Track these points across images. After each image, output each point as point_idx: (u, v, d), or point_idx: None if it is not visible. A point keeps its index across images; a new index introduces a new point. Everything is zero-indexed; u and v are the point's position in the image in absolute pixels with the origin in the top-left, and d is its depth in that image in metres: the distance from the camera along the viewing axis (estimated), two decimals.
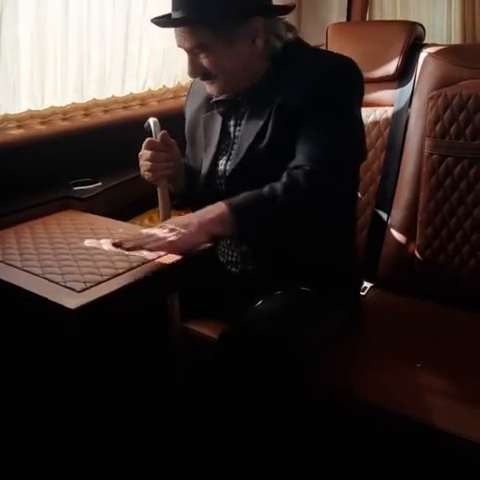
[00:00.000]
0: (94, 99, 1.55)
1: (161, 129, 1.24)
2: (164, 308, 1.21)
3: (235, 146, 1.26)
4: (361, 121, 1.27)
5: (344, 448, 1.17)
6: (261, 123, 1.21)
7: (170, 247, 1.06)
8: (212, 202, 1.14)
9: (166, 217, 1.25)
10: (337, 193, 1.19)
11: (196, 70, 1.22)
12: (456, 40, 2.02)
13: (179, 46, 1.22)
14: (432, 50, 1.58)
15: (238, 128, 1.27)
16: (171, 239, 1.06)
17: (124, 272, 1.02)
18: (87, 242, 1.15)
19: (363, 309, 1.44)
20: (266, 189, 1.12)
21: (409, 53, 1.60)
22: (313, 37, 1.98)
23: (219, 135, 1.29)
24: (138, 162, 1.26)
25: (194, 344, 1.29)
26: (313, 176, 1.12)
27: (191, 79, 1.45)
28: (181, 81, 1.78)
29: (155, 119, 1.25)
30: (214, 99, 1.29)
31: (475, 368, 1.20)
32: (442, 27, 2.05)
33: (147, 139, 1.22)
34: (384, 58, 1.62)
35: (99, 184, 1.45)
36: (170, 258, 1.06)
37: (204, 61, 1.19)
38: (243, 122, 1.25)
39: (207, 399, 1.24)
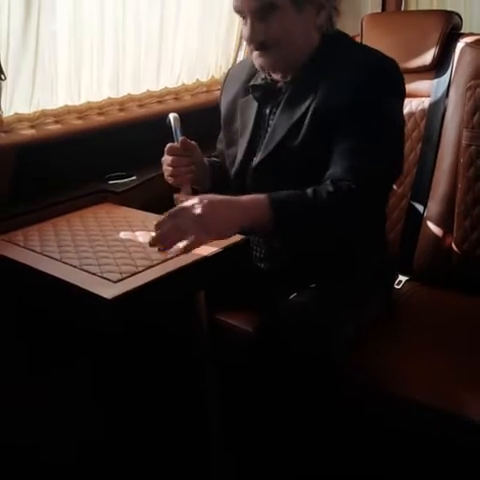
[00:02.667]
0: (129, 94, 1.57)
1: (182, 124, 1.24)
2: (193, 299, 1.22)
3: (267, 136, 1.24)
4: (403, 129, 1.22)
5: (377, 438, 1.17)
6: (296, 117, 1.18)
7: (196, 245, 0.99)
8: (239, 193, 1.12)
9: None
10: (375, 206, 1.21)
11: (256, 36, 1.16)
12: None
13: (238, 10, 1.16)
14: (469, 40, 1.54)
15: (272, 117, 1.25)
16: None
17: (159, 263, 1.03)
18: (123, 234, 1.17)
19: (398, 302, 1.42)
20: (310, 193, 1.07)
21: (446, 43, 1.56)
22: (348, 28, 1.95)
23: (254, 121, 1.27)
24: None
25: (227, 336, 1.30)
26: (359, 193, 1.07)
27: (225, 73, 1.47)
28: (215, 75, 1.79)
29: (175, 115, 1.25)
30: (251, 83, 1.28)
31: None
32: None
33: (168, 145, 1.24)
34: (420, 48, 1.59)
35: (134, 178, 1.47)
36: (204, 250, 1.07)
37: (269, 25, 1.15)
38: (278, 112, 1.23)
39: (239, 390, 1.25)
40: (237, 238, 1.10)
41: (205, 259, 1.05)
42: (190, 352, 1.24)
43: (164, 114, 1.30)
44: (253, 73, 1.31)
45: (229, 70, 1.44)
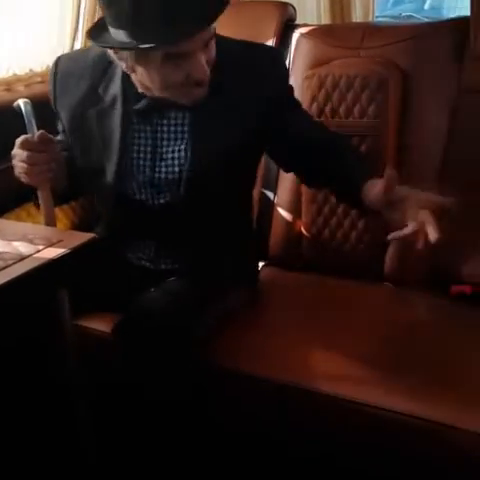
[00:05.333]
0: None
1: (34, 113, 1.11)
2: (53, 305, 1.14)
3: (180, 147, 1.19)
4: None
5: (243, 428, 1.20)
6: (221, 121, 1.16)
7: None
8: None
9: (50, 221, 1.16)
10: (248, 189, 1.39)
11: (207, 71, 1.09)
12: (326, 20, 2.08)
13: (185, 51, 1.04)
14: (304, 30, 1.61)
15: (162, 126, 1.19)
16: None
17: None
18: None
19: (258, 287, 1.46)
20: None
21: (282, 34, 1.62)
22: None
23: (121, 133, 1.18)
24: (8, 151, 1.12)
25: (87, 341, 1.24)
26: None
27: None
28: (50, 65, 1.67)
29: (27, 100, 1.11)
30: (138, 107, 1.17)
31: (367, 333, 1.26)
32: (312, 7, 2.10)
33: (22, 137, 1.09)
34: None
35: None
36: (52, 252, 1.00)
37: (209, 54, 1.08)
38: (192, 119, 1.18)
39: (107, 395, 1.21)
40: (84, 238, 1.05)
41: (58, 259, 0.98)
42: (51, 362, 1.17)
43: None
44: (100, 76, 1.21)
45: (59, 59, 1.30)
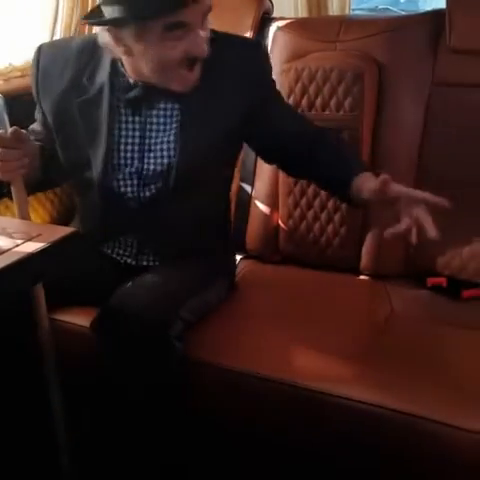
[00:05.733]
0: None
1: (7, 109, 1.12)
2: (29, 299, 1.13)
3: (169, 138, 1.19)
4: None
5: (226, 422, 1.20)
6: (210, 113, 1.17)
7: None
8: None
9: (24, 215, 1.15)
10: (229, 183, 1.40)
11: (205, 48, 1.11)
12: (303, 13, 2.09)
13: (184, 23, 1.05)
14: (281, 24, 1.61)
15: (164, 119, 1.19)
16: None
17: None
18: None
19: (235, 280, 1.46)
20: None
21: (260, 27, 1.62)
22: None
23: (108, 124, 1.17)
24: None
25: (66, 336, 1.24)
26: None
27: None
28: (30, 59, 1.66)
29: None
30: (128, 96, 1.17)
31: (345, 325, 1.28)
32: (289, 0, 2.10)
33: None
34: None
35: None
36: (34, 245, 0.99)
37: (205, 31, 1.10)
38: (174, 112, 1.19)
39: (86, 391, 1.20)
40: (64, 231, 1.04)
41: (31, 256, 0.97)
42: (28, 359, 1.16)
43: None
44: (84, 66, 1.20)
45: (41, 47, 1.27)
